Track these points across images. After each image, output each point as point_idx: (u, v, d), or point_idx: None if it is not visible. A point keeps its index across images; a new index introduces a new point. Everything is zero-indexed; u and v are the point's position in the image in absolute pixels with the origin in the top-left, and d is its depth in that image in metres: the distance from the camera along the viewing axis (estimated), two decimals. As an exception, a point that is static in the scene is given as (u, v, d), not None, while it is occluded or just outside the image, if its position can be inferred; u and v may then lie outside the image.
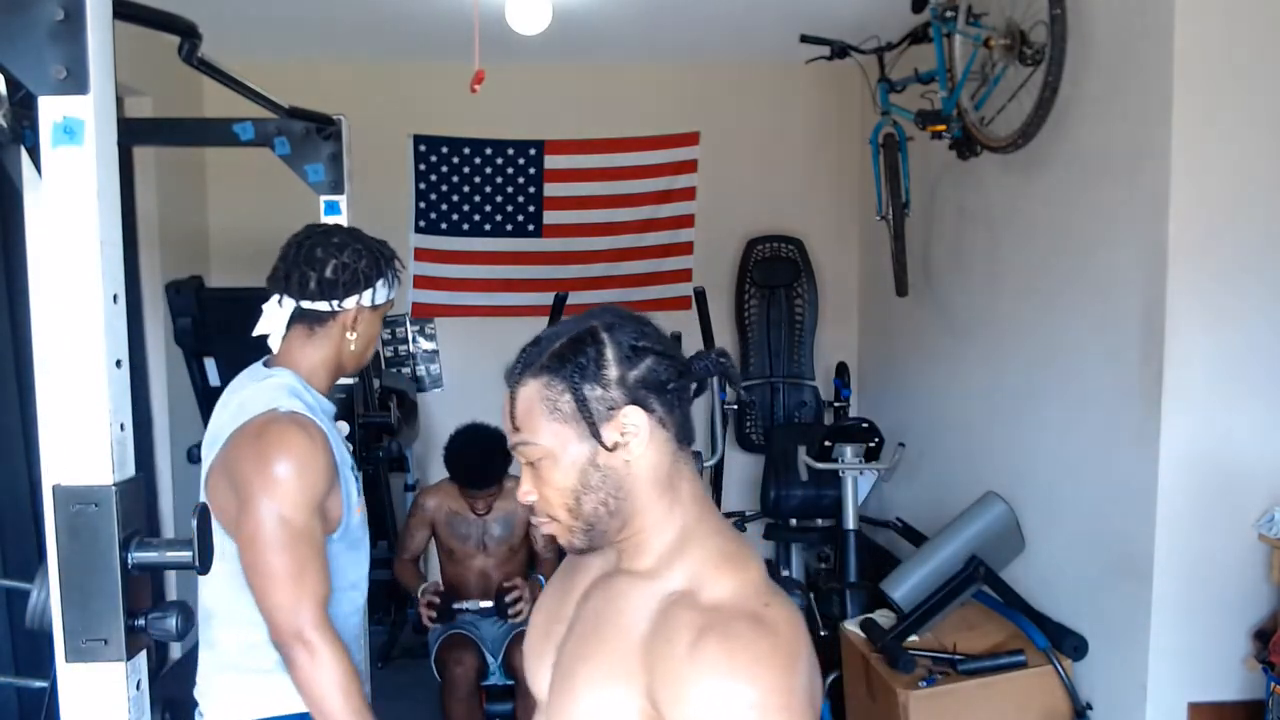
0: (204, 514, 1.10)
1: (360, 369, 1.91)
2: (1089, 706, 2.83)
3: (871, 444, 3.81)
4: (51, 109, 0.99)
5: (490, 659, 3.31)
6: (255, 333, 1.81)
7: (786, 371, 5.17)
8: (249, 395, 1.74)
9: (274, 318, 1.79)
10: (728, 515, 4.81)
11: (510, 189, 5.10)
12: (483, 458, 3.24)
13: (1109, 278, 2.82)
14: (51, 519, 1.04)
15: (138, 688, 1.06)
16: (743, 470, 5.16)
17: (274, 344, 1.81)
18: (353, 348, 1.83)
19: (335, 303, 1.77)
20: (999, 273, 3.57)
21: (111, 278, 1.03)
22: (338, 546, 1.80)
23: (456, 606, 3.32)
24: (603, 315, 1.11)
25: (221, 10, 3.95)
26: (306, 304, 1.77)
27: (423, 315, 5.15)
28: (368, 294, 1.80)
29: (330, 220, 2.46)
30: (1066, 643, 2.85)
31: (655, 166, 5.13)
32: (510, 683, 3.31)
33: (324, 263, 1.76)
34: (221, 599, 1.76)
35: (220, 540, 1.70)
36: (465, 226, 5.11)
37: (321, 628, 1.66)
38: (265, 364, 1.83)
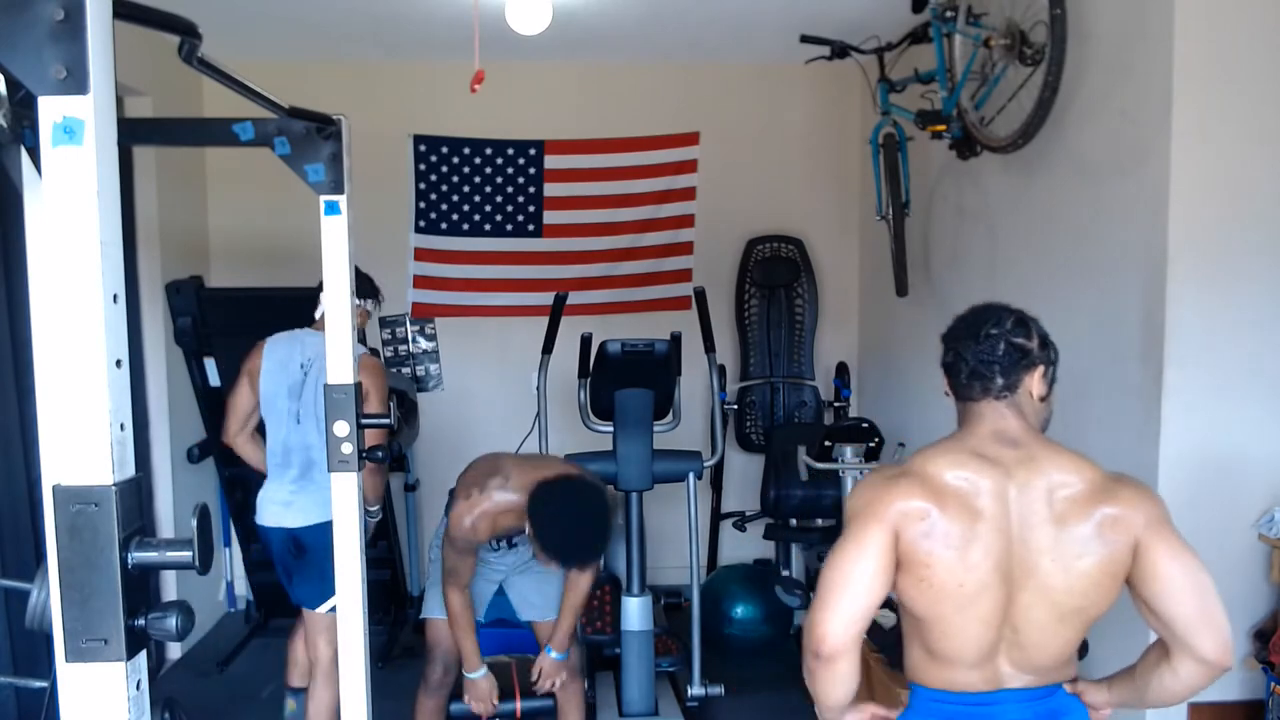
0: (204, 514, 1.10)
1: None
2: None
3: (871, 444, 3.81)
4: (51, 109, 0.99)
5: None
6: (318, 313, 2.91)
7: (786, 371, 5.17)
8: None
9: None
10: (727, 515, 4.84)
11: (510, 189, 5.11)
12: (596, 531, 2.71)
13: (1109, 278, 2.82)
14: (51, 519, 1.03)
15: (138, 688, 1.06)
16: (743, 470, 5.17)
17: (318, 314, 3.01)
18: None
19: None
20: (999, 273, 3.57)
21: (111, 278, 1.02)
22: None
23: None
24: None
25: (221, 10, 3.95)
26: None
27: (423, 315, 5.15)
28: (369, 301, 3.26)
29: (331, 220, 2.46)
30: (1066, 643, 2.84)
31: (655, 166, 5.13)
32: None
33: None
34: (319, 446, 2.91)
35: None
36: (465, 226, 5.11)
37: None
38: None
